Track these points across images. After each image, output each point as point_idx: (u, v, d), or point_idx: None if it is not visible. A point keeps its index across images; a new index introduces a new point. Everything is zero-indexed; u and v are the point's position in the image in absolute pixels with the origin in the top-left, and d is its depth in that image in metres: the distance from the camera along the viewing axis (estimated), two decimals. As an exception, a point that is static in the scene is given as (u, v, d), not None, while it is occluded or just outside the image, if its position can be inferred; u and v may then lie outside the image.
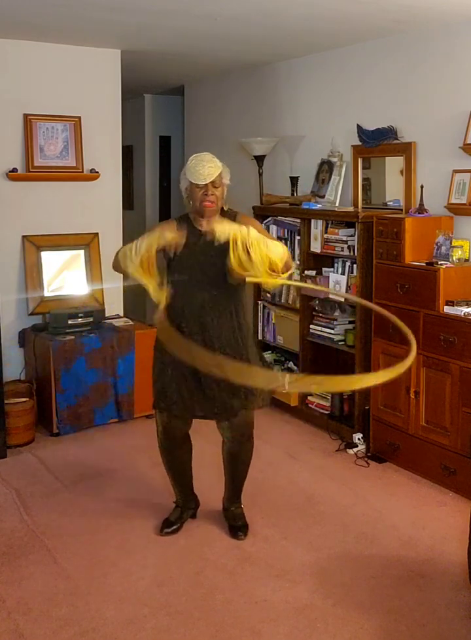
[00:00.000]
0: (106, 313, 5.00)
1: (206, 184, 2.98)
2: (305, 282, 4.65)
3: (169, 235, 2.90)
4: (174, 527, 3.33)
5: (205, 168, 2.96)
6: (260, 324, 5.21)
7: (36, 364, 4.66)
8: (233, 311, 3.09)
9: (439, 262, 3.79)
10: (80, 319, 4.68)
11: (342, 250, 4.40)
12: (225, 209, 3.13)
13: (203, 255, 3.04)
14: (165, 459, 3.33)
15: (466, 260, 3.87)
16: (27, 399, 4.46)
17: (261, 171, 5.21)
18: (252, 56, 5.19)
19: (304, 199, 4.84)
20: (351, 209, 4.52)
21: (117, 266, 3.04)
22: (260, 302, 5.19)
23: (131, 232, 6.28)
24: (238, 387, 3.03)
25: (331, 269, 4.54)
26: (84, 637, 2.59)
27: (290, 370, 4.97)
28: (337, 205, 4.70)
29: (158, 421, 3.25)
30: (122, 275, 3.11)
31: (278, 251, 2.86)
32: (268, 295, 5.12)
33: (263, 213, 5.05)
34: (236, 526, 3.32)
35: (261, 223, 4.89)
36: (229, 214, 3.13)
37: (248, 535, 3.29)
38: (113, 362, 4.64)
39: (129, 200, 7.24)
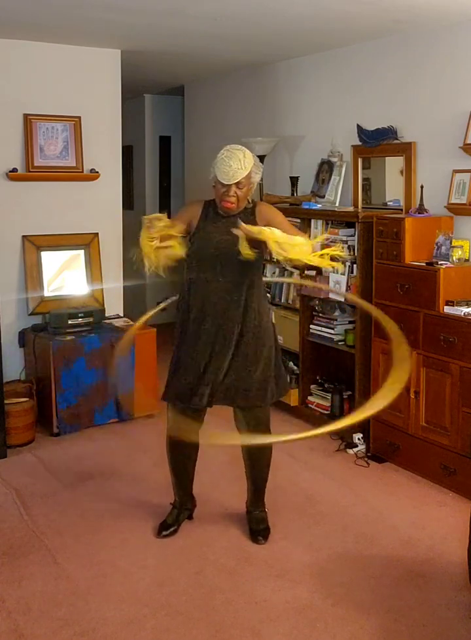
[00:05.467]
0: (106, 313, 5.00)
1: (230, 185, 2.92)
2: (304, 283, 4.65)
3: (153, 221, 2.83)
4: (172, 528, 3.32)
5: (231, 168, 2.87)
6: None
7: (36, 364, 4.66)
8: (248, 295, 3.04)
9: (439, 262, 3.79)
10: (80, 319, 4.68)
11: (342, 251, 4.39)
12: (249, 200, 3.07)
13: (226, 239, 2.99)
14: (170, 456, 3.31)
15: (466, 260, 3.87)
16: (27, 399, 4.46)
17: (261, 171, 5.21)
18: (252, 56, 5.19)
19: (304, 199, 4.84)
20: (351, 209, 4.52)
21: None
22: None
23: (131, 232, 6.31)
24: (253, 381, 3.04)
25: (332, 269, 4.53)
26: (84, 637, 2.59)
27: (290, 371, 4.97)
28: (337, 205, 4.70)
29: (169, 416, 3.24)
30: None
31: (303, 250, 2.87)
32: (268, 295, 5.12)
33: (263, 213, 5.04)
34: (257, 530, 3.29)
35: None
36: (247, 204, 3.08)
37: (249, 535, 3.30)
38: (113, 362, 4.63)
39: (129, 200, 7.24)
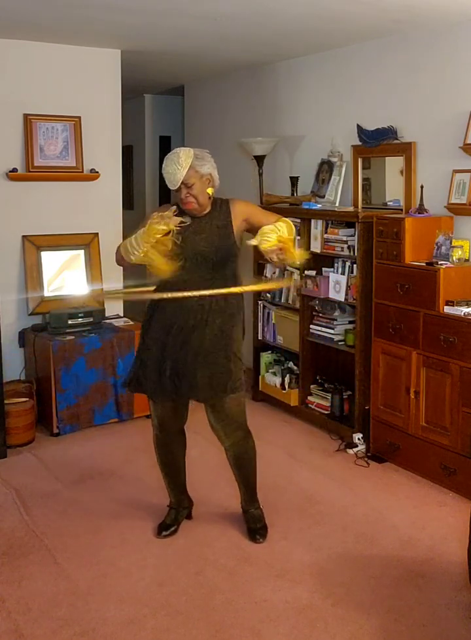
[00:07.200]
0: (106, 313, 5.00)
1: (179, 188, 2.96)
2: (305, 283, 4.65)
3: (168, 220, 2.88)
4: (172, 529, 3.32)
5: (170, 174, 2.93)
6: (259, 324, 5.21)
7: (36, 364, 4.66)
8: (224, 286, 3.05)
9: (439, 262, 3.79)
10: (80, 319, 4.68)
11: (342, 250, 4.40)
12: (211, 197, 3.06)
13: (199, 240, 3.03)
14: (158, 453, 3.31)
15: (466, 260, 3.87)
16: (27, 399, 4.46)
17: (261, 171, 5.21)
18: (252, 56, 5.18)
19: (304, 199, 4.84)
20: (351, 209, 4.52)
21: (120, 260, 3.07)
22: (260, 301, 5.19)
23: (131, 232, 6.31)
24: (216, 372, 3.04)
25: (332, 269, 4.54)
26: (84, 637, 2.59)
27: (290, 371, 4.98)
28: (337, 205, 4.70)
29: (153, 414, 3.24)
30: (122, 268, 3.10)
31: (290, 232, 3.00)
32: (268, 295, 5.12)
33: (263, 213, 5.04)
34: (255, 528, 3.29)
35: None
36: (220, 204, 3.10)
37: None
38: (113, 362, 4.64)
39: (129, 200, 7.24)
